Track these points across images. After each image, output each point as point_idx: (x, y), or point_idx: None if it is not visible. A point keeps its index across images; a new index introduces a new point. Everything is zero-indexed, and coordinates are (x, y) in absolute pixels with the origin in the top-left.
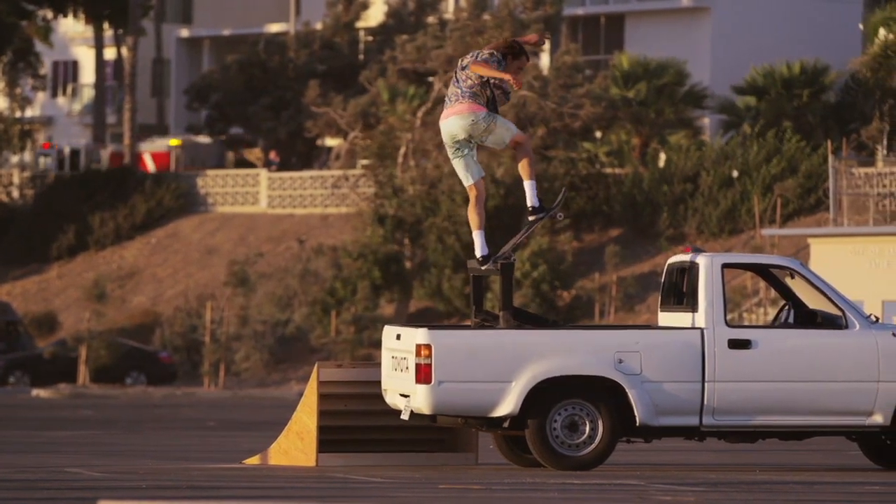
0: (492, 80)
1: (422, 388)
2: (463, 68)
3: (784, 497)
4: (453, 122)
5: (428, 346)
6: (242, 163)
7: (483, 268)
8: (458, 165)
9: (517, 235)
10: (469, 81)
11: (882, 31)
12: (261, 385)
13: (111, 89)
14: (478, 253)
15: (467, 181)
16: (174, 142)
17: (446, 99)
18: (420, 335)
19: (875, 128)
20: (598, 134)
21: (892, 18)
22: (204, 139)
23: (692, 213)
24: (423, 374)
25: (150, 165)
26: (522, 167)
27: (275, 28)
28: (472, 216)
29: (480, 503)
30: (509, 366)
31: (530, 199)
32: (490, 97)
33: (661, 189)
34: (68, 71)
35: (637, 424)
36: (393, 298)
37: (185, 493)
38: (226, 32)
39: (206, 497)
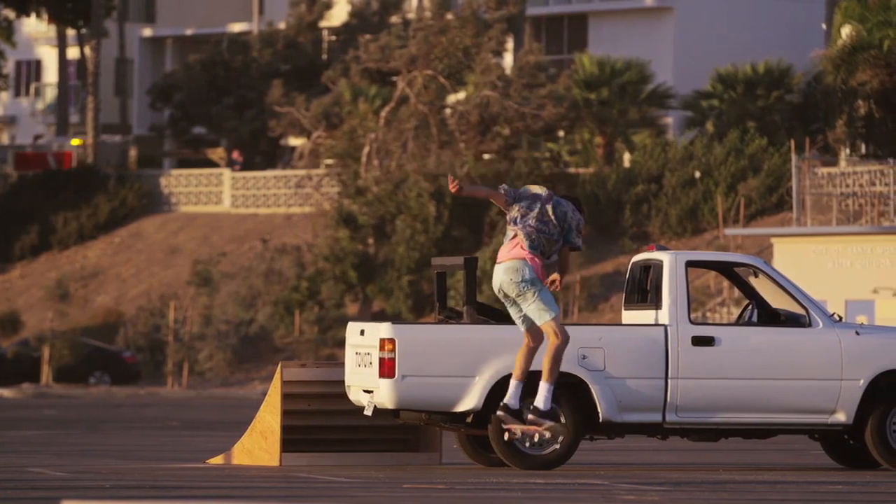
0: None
1: (385, 383)
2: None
3: (747, 497)
4: (499, 272)
5: (392, 341)
6: (147, 161)
7: (498, 413)
8: (510, 311)
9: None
10: (541, 220)
11: (846, 28)
12: (224, 385)
13: (74, 89)
14: (507, 400)
15: (520, 327)
16: (76, 141)
17: (508, 223)
18: (384, 329)
19: (840, 130)
20: (562, 133)
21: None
22: (111, 138)
23: (655, 213)
24: (386, 369)
25: (53, 164)
26: (544, 363)
27: (238, 28)
28: (518, 360)
29: (444, 503)
30: (473, 360)
31: (539, 400)
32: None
33: (624, 189)
34: (31, 70)
35: (600, 421)
36: (357, 298)
37: (149, 492)
38: (189, 32)
39: (169, 497)
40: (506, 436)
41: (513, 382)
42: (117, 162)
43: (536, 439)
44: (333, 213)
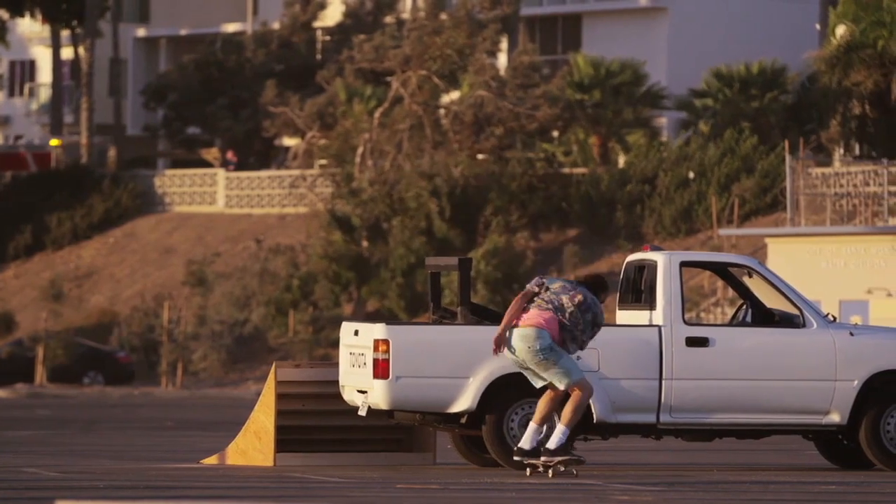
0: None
1: (379, 384)
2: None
3: (741, 497)
4: (514, 338)
5: (386, 342)
6: (141, 162)
7: (515, 458)
8: (527, 375)
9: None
10: (562, 298)
11: (840, 28)
12: (218, 385)
13: (68, 89)
14: (521, 443)
15: (536, 384)
16: (54, 142)
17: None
18: (378, 330)
19: (834, 130)
20: (556, 133)
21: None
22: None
23: (649, 213)
24: (380, 369)
25: (32, 165)
26: (566, 409)
27: (232, 28)
28: (539, 406)
29: (438, 503)
30: (467, 361)
31: (552, 441)
32: (576, 324)
33: (618, 189)
34: (25, 70)
35: (594, 421)
36: (351, 298)
37: (143, 493)
38: (183, 32)
39: (163, 497)
40: (527, 471)
41: (531, 426)
42: (97, 162)
43: (551, 475)
44: (326, 215)
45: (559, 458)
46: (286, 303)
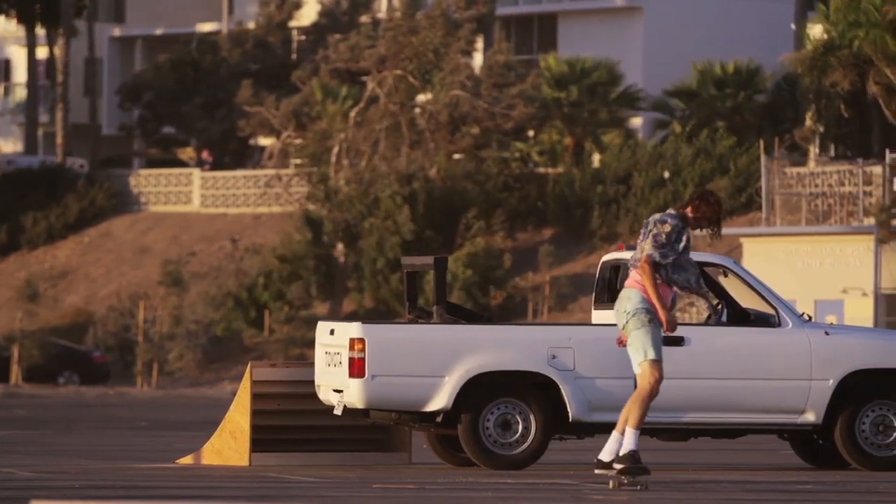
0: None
1: (355, 383)
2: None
3: (716, 496)
4: (618, 301)
5: (362, 340)
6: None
7: (596, 472)
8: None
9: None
10: (660, 238)
11: (818, 29)
12: (194, 385)
13: (44, 89)
14: (602, 454)
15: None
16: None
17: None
18: (354, 329)
19: (808, 128)
20: (531, 133)
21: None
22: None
23: (625, 213)
24: (356, 368)
25: None
26: (626, 409)
27: (207, 27)
28: (631, 409)
29: (414, 503)
30: (443, 360)
31: (623, 445)
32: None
33: (594, 189)
34: (0, 70)
35: (570, 420)
36: (326, 299)
37: (119, 492)
38: (158, 32)
39: (139, 497)
40: (610, 484)
41: (613, 435)
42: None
43: (611, 486)
44: (300, 216)
45: (622, 467)
46: (245, 303)
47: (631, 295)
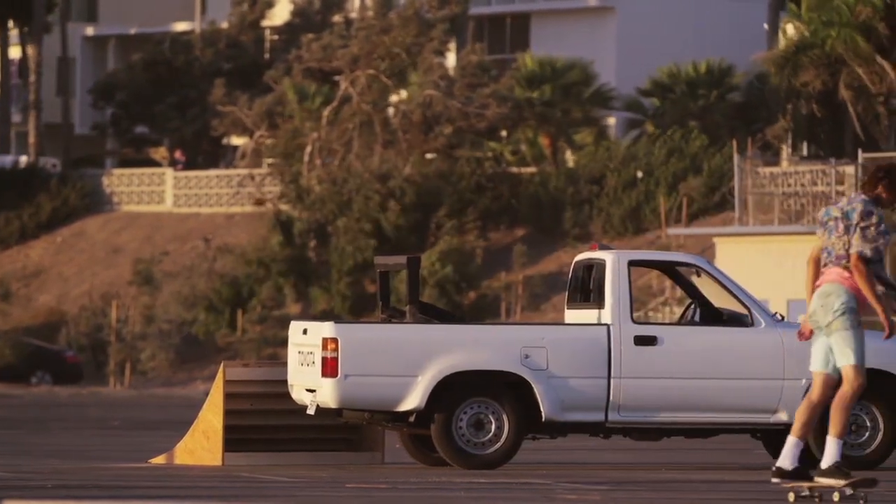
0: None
1: (327, 382)
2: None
3: (689, 496)
4: (814, 299)
5: (334, 340)
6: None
7: (773, 480)
8: (816, 343)
9: None
10: (871, 231)
11: (790, 28)
12: (167, 384)
13: (16, 88)
14: (779, 462)
15: (814, 365)
16: None
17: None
18: (327, 329)
19: (780, 127)
20: (504, 133)
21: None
22: None
23: (598, 213)
24: (329, 368)
25: None
26: (832, 413)
27: (180, 27)
28: (798, 416)
29: (387, 502)
30: (416, 360)
31: (826, 458)
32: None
33: (567, 189)
34: None
35: (542, 420)
36: (300, 298)
37: (91, 492)
38: (131, 31)
39: (111, 497)
40: (790, 496)
41: (790, 440)
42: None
43: (836, 498)
44: (271, 216)
45: (844, 482)
46: (218, 303)
47: (840, 292)
